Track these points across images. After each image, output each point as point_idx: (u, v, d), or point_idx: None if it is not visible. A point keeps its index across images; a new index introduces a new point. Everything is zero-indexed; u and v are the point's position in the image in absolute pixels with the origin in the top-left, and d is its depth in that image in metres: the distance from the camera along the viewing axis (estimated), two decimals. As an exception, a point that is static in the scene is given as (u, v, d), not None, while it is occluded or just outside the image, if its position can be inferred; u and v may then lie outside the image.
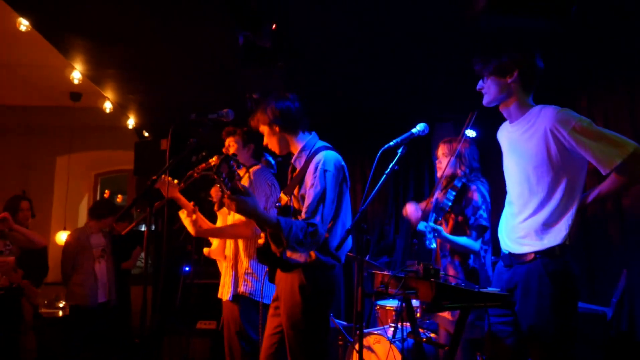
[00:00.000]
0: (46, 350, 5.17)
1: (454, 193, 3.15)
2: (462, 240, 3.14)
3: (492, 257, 3.22)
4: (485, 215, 3.15)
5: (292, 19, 3.44)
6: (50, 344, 5.28)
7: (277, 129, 2.59)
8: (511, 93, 2.29)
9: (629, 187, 2.17)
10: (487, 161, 4.71)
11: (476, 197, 3.16)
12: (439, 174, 3.32)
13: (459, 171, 3.25)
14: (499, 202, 2.50)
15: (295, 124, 2.60)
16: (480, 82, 2.36)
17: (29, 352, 5.04)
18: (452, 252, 3.23)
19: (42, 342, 5.18)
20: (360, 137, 5.80)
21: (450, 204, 3.14)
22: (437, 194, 3.24)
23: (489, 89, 2.32)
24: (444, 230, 3.14)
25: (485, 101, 2.36)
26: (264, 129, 2.64)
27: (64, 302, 5.55)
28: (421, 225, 3.03)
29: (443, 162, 3.30)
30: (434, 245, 2.97)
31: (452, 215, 3.26)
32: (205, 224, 3.30)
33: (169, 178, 3.14)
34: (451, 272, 3.15)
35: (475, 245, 3.13)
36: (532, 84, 2.30)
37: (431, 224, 3.02)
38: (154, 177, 2.54)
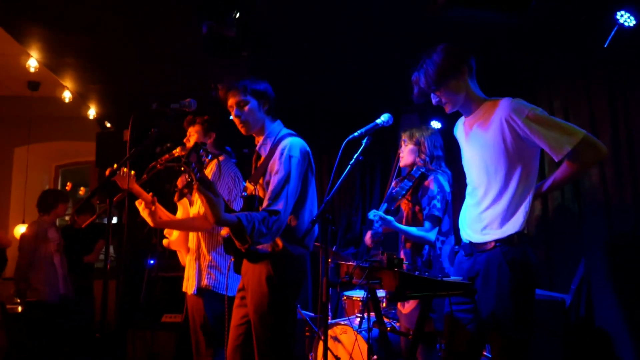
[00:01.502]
0: (17, 347, 5.01)
1: (409, 183, 3.11)
2: (413, 230, 3.09)
3: (456, 247, 3.24)
4: (439, 205, 3.08)
5: (257, 8, 3.40)
6: (19, 340, 5.14)
7: (266, 105, 2.54)
8: (466, 90, 2.29)
9: (581, 172, 2.24)
10: (450, 152, 4.79)
11: (432, 186, 3.11)
12: (400, 163, 3.30)
13: (418, 160, 3.20)
14: (463, 193, 2.52)
15: (274, 109, 2.59)
16: (434, 97, 2.32)
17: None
18: (406, 241, 3.20)
19: (12, 339, 5.02)
20: (327, 128, 5.79)
21: (403, 192, 3.09)
22: (394, 183, 3.21)
23: (448, 97, 2.29)
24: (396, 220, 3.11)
25: (449, 110, 2.33)
26: (248, 100, 2.51)
27: (20, 298, 5.38)
28: (370, 214, 3.02)
29: (404, 151, 3.28)
30: (380, 231, 2.97)
31: (410, 205, 3.24)
32: (165, 215, 3.25)
33: (126, 169, 3.04)
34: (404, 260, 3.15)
35: (429, 235, 3.07)
36: (474, 70, 2.32)
37: (380, 212, 3.00)
38: (110, 170, 2.46)
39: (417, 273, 2.19)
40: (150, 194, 3.14)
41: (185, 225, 3.24)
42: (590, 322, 3.75)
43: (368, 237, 3.13)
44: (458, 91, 2.27)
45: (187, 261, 3.28)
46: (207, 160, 2.18)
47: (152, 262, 5.51)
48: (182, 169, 2.16)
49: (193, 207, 3.27)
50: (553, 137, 2.09)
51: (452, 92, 2.27)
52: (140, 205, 3.13)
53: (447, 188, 3.17)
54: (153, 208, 3.12)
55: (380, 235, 3.01)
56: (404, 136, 3.30)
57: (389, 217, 3.00)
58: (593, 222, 3.80)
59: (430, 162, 3.19)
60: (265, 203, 2.36)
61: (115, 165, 2.65)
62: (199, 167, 2.14)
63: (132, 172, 3.10)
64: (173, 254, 3.70)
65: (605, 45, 3.25)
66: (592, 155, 2.14)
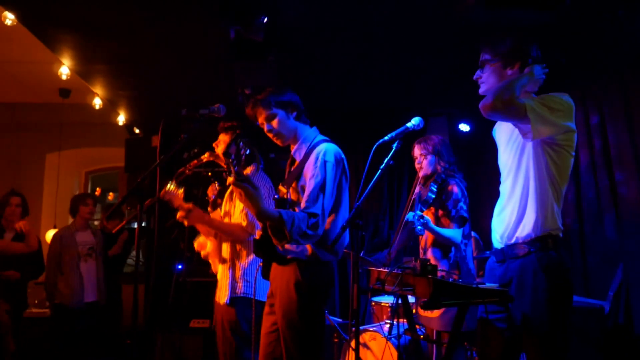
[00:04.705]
0: (27, 351, 5.06)
1: (435, 186, 3.31)
2: (447, 231, 3.25)
3: (487, 252, 3.28)
4: (465, 207, 3.28)
5: (284, 12, 3.40)
6: (34, 344, 5.19)
7: (293, 112, 2.55)
8: None
9: (487, 105, 2.10)
10: (478, 156, 4.70)
11: (456, 190, 3.30)
12: (420, 174, 3.44)
13: (439, 167, 3.39)
14: (488, 195, 2.47)
15: (304, 114, 2.60)
16: (478, 72, 2.31)
17: (8, 355, 4.95)
18: (434, 244, 3.33)
19: (25, 342, 5.07)
20: (354, 133, 5.76)
21: (434, 196, 3.28)
22: (419, 188, 3.37)
23: (487, 79, 2.27)
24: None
25: (481, 90, 2.31)
26: (275, 113, 2.52)
27: (48, 301, 5.46)
28: (409, 215, 3.13)
29: (424, 162, 3.42)
30: (422, 233, 3.11)
31: (432, 209, 3.37)
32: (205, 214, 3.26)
33: (173, 187, 3.10)
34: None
35: (458, 236, 3.25)
36: None
37: (418, 212, 3.14)
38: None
39: (451, 280, 2.14)
40: (190, 205, 3.15)
41: (223, 228, 3.22)
42: (629, 329, 3.62)
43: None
44: (499, 79, 2.23)
45: (220, 270, 3.27)
46: (244, 154, 2.18)
47: (180, 267, 5.54)
48: (222, 157, 2.14)
49: (228, 219, 3.28)
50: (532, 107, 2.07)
51: (494, 77, 2.25)
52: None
53: (466, 192, 3.37)
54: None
55: (422, 232, 3.14)
56: (421, 148, 3.46)
57: (427, 217, 3.17)
58: (632, 227, 3.68)
59: (449, 167, 3.40)
60: (303, 205, 2.35)
61: (145, 174, 2.64)
62: (238, 160, 2.15)
63: (181, 190, 3.14)
64: (201, 259, 3.71)
65: (643, 44, 3.15)
66: (500, 97, 2.06)
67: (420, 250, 3.43)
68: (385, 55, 4.18)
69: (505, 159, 2.34)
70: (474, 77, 2.32)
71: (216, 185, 3.39)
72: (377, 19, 3.56)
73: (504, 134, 2.36)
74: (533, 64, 2.22)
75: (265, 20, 3.17)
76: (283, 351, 2.40)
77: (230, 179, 2.17)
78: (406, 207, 3.36)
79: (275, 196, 2.51)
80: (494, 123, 2.46)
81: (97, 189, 8.17)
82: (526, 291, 2.11)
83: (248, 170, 3.25)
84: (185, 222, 3.15)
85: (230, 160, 2.14)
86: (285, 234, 2.22)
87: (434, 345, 3.39)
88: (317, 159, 2.41)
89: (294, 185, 2.52)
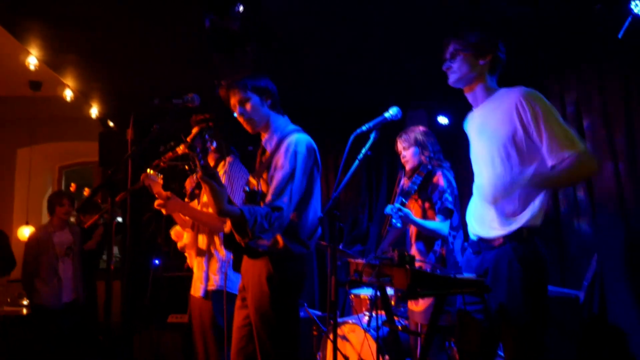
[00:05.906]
0: (7, 350, 4.96)
1: (420, 177, 3.22)
2: (431, 224, 3.17)
3: (465, 244, 3.25)
4: (450, 198, 3.19)
5: (261, 1, 3.33)
6: (13, 343, 5.08)
7: (268, 100, 2.50)
8: (479, 75, 2.26)
9: (566, 183, 2.16)
10: (457, 149, 4.70)
11: (442, 182, 3.21)
12: (407, 167, 3.39)
13: (423, 158, 3.31)
14: (468, 189, 2.46)
15: (279, 104, 2.56)
16: (448, 62, 2.30)
17: None
18: (419, 236, 3.26)
19: (4, 342, 4.97)
20: (332, 124, 5.72)
21: (416, 187, 3.20)
22: (403, 180, 3.32)
23: (459, 68, 2.27)
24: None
25: (451, 80, 2.30)
26: (249, 97, 2.47)
27: (27, 300, 5.34)
28: (387, 208, 3.07)
29: (407, 154, 3.35)
30: (399, 225, 3.02)
31: (419, 202, 3.31)
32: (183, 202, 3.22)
33: (152, 171, 3.04)
34: (417, 257, 3.16)
35: (443, 228, 3.16)
36: (498, 70, 2.30)
37: (398, 205, 3.07)
38: (110, 171, 2.42)
39: (429, 270, 2.13)
40: (169, 193, 3.10)
41: (200, 217, 3.16)
42: (603, 319, 3.67)
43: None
44: (471, 69, 2.25)
45: (196, 263, 3.23)
46: (211, 147, 2.12)
47: (157, 262, 5.46)
48: (188, 151, 2.10)
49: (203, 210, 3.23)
50: (555, 140, 2.02)
51: (466, 66, 2.25)
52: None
53: (454, 183, 3.27)
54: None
55: (402, 228, 3.08)
56: (402, 142, 3.39)
57: (406, 210, 3.07)
58: (606, 217, 3.73)
59: (434, 156, 3.32)
60: (268, 198, 2.31)
61: (115, 167, 2.59)
62: (204, 154, 2.09)
63: (160, 176, 3.08)
64: (179, 253, 3.65)
65: (620, 36, 3.16)
66: (585, 170, 2.07)
67: (409, 244, 3.39)
68: (366, 47, 4.15)
69: (478, 151, 2.33)
70: (443, 67, 2.31)
71: (194, 177, 3.35)
72: (360, 11, 3.53)
73: (474, 125, 2.35)
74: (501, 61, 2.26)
75: (241, 8, 3.11)
76: (257, 346, 2.36)
77: (198, 174, 2.12)
78: (391, 202, 3.32)
79: (246, 188, 2.47)
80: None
81: (72, 184, 7.99)
82: (501, 281, 2.11)
83: (225, 163, 3.20)
84: (164, 211, 3.09)
85: (196, 153, 2.08)
86: (247, 232, 2.18)
87: (418, 339, 3.38)
88: (287, 149, 2.37)
89: (264, 176, 2.48)
